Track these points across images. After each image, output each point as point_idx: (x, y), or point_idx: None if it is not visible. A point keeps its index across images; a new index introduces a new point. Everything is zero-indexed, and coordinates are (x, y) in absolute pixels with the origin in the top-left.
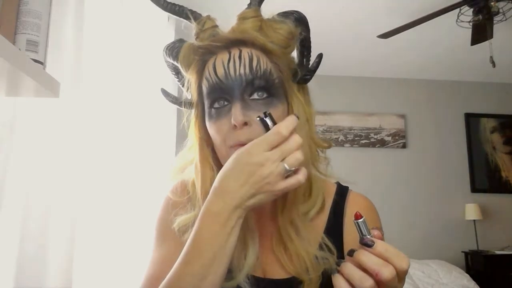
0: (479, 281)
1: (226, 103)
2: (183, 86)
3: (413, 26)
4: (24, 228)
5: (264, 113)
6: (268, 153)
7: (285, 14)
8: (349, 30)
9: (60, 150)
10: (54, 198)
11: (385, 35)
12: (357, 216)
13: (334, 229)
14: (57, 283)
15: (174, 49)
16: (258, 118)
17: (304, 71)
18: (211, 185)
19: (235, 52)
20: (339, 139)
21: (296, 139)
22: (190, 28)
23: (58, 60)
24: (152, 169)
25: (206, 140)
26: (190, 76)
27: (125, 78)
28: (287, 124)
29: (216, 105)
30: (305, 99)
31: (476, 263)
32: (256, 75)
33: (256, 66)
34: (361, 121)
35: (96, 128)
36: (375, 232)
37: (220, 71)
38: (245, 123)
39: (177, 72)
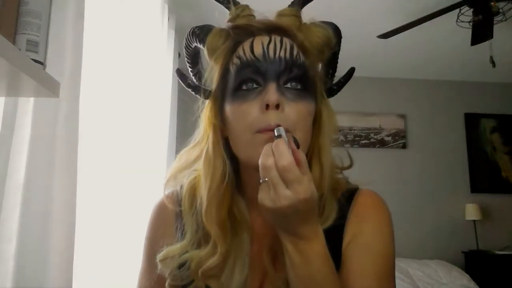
0: (479, 281)
1: (255, 85)
2: (196, 77)
3: (413, 26)
4: (24, 228)
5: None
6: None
7: (324, 22)
8: (349, 30)
9: (60, 150)
10: (54, 198)
11: (385, 35)
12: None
13: (334, 232)
14: (57, 283)
15: (202, 32)
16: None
17: (329, 84)
18: (221, 181)
19: (276, 36)
20: (339, 139)
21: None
22: (222, 16)
23: (58, 60)
24: (152, 168)
25: (221, 128)
26: (214, 60)
27: (125, 78)
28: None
29: (244, 87)
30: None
31: (476, 263)
32: (295, 62)
33: (296, 55)
34: (361, 121)
35: (96, 128)
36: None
37: (258, 50)
38: (278, 106)
39: (194, 62)
